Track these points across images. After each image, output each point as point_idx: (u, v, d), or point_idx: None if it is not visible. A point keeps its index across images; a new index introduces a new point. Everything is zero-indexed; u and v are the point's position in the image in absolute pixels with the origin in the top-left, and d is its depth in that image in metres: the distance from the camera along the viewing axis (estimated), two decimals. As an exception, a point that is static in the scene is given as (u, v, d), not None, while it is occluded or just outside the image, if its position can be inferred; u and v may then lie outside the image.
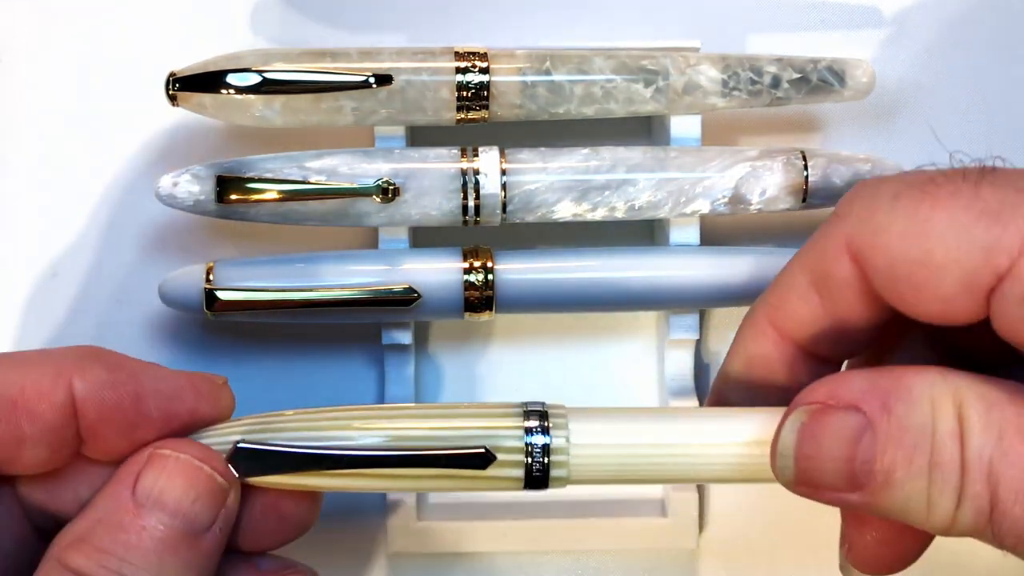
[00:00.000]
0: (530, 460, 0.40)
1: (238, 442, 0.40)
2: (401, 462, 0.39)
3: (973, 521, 0.36)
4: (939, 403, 0.36)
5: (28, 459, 0.39)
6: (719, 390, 0.43)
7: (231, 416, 0.42)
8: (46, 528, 0.41)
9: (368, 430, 0.40)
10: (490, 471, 0.39)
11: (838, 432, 0.37)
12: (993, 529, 0.36)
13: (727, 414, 0.41)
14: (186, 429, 0.40)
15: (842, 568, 0.43)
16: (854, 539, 0.42)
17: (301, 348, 0.52)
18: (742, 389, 0.42)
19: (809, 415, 0.38)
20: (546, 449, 0.40)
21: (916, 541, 0.42)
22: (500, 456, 0.39)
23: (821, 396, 0.38)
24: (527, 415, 0.40)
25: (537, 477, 0.40)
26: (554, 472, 0.40)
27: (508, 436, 0.40)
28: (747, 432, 0.40)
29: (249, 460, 0.40)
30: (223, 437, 0.40)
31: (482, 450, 0.39)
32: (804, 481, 0.38)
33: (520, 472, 0.40)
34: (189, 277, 0.48)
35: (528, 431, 0.40)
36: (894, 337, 0.43)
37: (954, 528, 0.36)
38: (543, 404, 0.41)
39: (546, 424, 0.40)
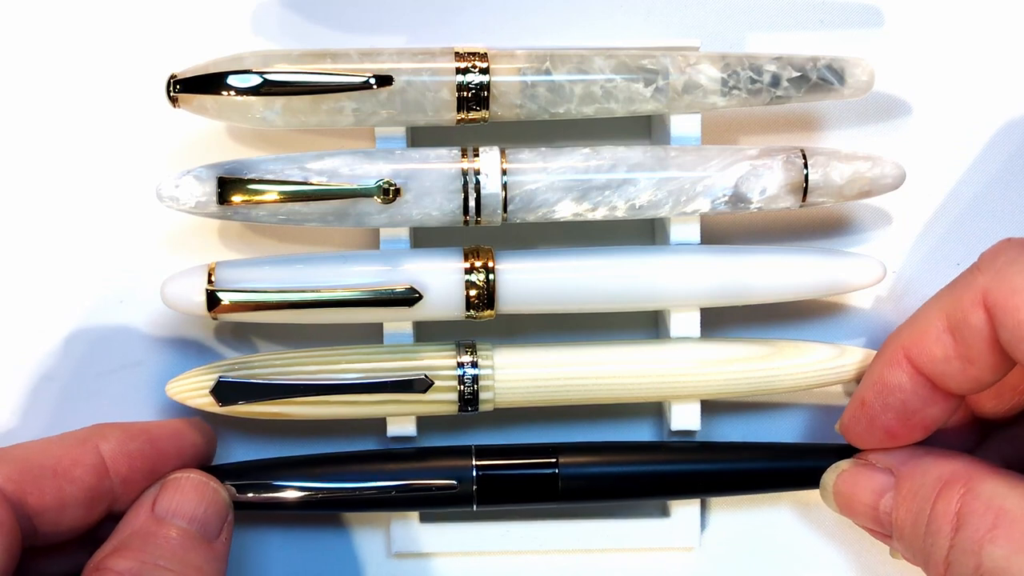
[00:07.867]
0: (462, 387, 0.47)
1: (220, 377, 0.47)
2: (358, 389, 0.47)
3: None
4: (947, 486, 0.43)
5: (68, 522, 0.45)
6: (855, 414, 0.48)
7: (216, 445, 0.50)
8: None
9: (330, 366, 0.47)
10: (430, 395, 0.47)
11: (868, 483, 0.47)
12: None
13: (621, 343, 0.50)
14: (194, 462, 0.48)
15: (892, 554, 0.49)
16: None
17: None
18: (875, 413, 0.47)
19: (851, 464, 0.48)
20: (475, 379, 0.47)
21: None
22: (438, 383, 0.47)
23: (869, 456, 0.47)
24: (459, 350, 0.48)
25: (468, 400, 0.48)
26: (482, 396, 0.48)
27: (445, 367, 0.47)
28: (640, 357, 0.49)
29: (230, 391, 0.47)
30: (206, 375, 0.47)
31: (423, 376, 0.47)
32: (844, 511, 0.48)
33: (454, 396, 0.47)
34: (191, 278, 0.48)
35: (460, 364, 0.47)
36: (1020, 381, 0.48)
37: None
38: (474, 340, 0.48)
39: (475, 359, 0.47)
